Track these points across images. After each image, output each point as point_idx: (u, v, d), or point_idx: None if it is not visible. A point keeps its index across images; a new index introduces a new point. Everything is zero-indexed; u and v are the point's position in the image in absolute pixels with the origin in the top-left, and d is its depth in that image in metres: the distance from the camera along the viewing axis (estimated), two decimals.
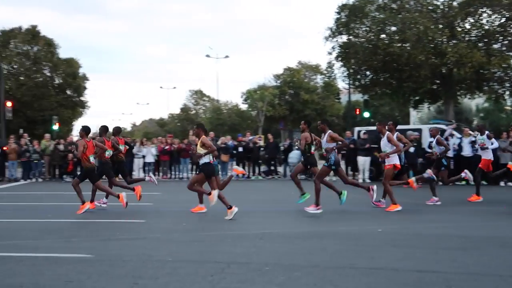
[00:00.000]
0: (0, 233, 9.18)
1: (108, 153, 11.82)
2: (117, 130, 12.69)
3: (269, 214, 11.08)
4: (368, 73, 32.89)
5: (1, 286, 5.38)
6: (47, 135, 23.92)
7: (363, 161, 20.35)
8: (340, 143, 11.54)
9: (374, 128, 17.46)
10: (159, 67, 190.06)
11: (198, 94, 73.08)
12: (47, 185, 12.38)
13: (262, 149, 23.47)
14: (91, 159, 11.31)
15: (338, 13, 31.50)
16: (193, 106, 73.53)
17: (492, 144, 13.60)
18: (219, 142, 22.27)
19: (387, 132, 11.36)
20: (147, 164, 22.52)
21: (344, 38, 32.11)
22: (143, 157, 22.33)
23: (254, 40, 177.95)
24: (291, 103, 51.26)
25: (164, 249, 7.39)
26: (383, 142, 11.45)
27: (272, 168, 23.88)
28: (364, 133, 20.74)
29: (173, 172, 23.42)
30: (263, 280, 5.58)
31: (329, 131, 11.24)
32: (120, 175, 12.72)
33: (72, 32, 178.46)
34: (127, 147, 13.18)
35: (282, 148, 23.76)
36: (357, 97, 46.55)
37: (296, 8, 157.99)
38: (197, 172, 10.96)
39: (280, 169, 24.21)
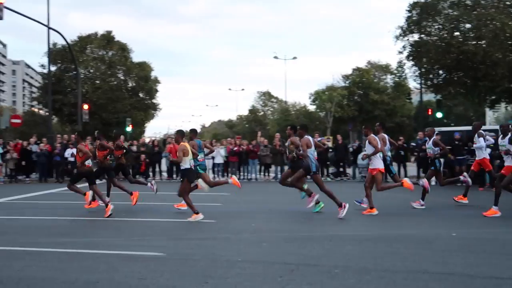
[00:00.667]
0: (77, 230, 9.63)
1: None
2: (118, 134, 14.12)
3: (337, 216, 10.95)
4: (441, 72, 31.84)
5: (79, 281, 5.61)
6: (121, 137, 24.73)
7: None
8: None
9: (447, 129, 16.96)
10: (228, 69, 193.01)
11: (266, 96, 73.43)
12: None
13: (330, 150, 23.25)
14: (87, 162, 11.74)
15: (410, 11, 30.71)
16: (261, 108, 73.95)
17: None
18: (286, 144, 22.24)
19: (370, 135, 11.36)
20: (216, 165, 22.88)
21: (415, 36, 31.27)
22: (213, 158, 22.67)
23: (322, 40, 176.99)
24: (360, 103, 50.47)
25: (234, 249, 7.46)
26: (366, 144, 11.52)
27: (341, 169, 23.64)
28: (437, 134, 20.11)
29: (241, 173, 23.63)
30: (332, 282, 5.52)
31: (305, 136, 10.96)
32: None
33: (144, 36, 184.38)
34: (124, 150, 13.86)
35: (351, 149, 23.47)
36: (429, 97, 45.23)
37: (365, 7, 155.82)
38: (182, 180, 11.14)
39: (349, 170, 23.91)
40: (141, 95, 50.68)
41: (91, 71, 49.44)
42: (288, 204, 11.55)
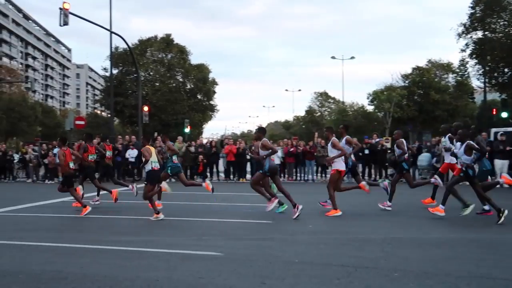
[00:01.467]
0: (137, 229, 9.86)
1: (92, 157, 13.28)
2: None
3: (396, 218, 10.73)
4: (506, 70, 30.71)
5: (139, 279, 5.73)
6: (180, 138, 25.17)
7: (501, 165, 18.93)
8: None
9: None
10: (285, 70, 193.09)
11: (323, 96, 72.92)
12: (179, 185, 12.99)
13: (389, 151, 22.81)
14: (71, 165, 12.37)
15: (473, 7, 29.82)
16: (318, 108, 73.51)
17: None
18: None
19: (333, 138, 11.38)
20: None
21: (479, 34, 30.35)
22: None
23: (380, 40, 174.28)
24: (421, 103, 49.20)
25: (291, 250, 7.43)
26: (329, 147, 11.52)
27: None
28: (502, 135, 19.40)
29: (298, 174, 23.55)
30: (392, 286, 5.40)
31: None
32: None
33: (202, 38, 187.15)
34: (109, 153, 14.52)
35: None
36: (493, 96, 43.64)
37: (425, 5, 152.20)
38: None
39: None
40: (199, 96, 51.44)
41: (151, 73, 50.62)
42: (346, 206, 11.40)
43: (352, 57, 57.87)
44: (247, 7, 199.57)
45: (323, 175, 23.17)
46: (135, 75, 40.93)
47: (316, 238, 8.51)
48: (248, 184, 12.73)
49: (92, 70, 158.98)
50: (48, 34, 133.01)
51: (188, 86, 51.43)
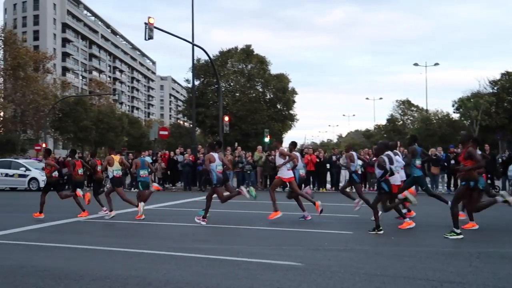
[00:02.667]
0: (219, 237, 10.00)
1: (81, 171, 14.15)
2: (94, 153, 15.53)
3: (485, 231, 10.20)
4: None
5: (220, 286, 5.79)
6: (259, 147, 25.35)
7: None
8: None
9: None
10: (365, 78, 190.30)
11: (406, 104, 71.16)
12: (258, 194, 13.05)
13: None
14: (53, 174, 13.47)
15: None
16: (400, 117, 71.78)
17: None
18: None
19: (280, 148, 12.55)
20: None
21: None
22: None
23: (465, 45, 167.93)
24: (511, 111, 46.89)
25: (372, 262, 7.25)
26: (276, 157, 12.40)
27: (489, 181, 22.05)
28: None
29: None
30: None
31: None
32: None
33: (281, 48, 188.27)
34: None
35: (500, 160, 21.83)
36: None
37: None
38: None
39: (498, 183, 22.24)
40: (278, 106, 51.67)
41: (232, 84, 51.48)
42: (431, 217, 11.01)
43: (436, 64, 56.05)
44: (326, 15, 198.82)
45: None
46: (216, 85, 41.77)
47: (399, 250, 8.26)
48: (328, 194, 12.62)
49: (175, 81, 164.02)
50: (134, 48, 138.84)
51: (268, 96, 51.79)
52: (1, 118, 49.98)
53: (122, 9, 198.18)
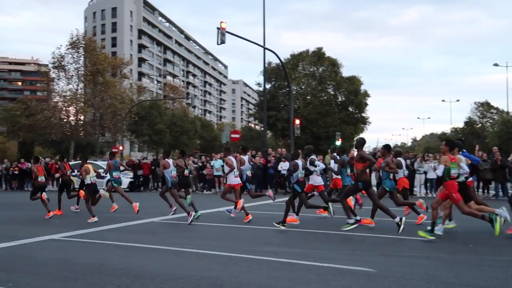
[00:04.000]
0: (290, 241, 9.97)
1: (41, 178, 14.85)
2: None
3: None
4: None
5: None
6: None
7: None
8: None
9: None
10: (441, 79, 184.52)
11: (485, 106, 68.30)
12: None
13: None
14: (39, 179, 14.80)
15: None
16: (479, 119, 69.00)
17: None
18: (509, 158, 20.28)
19: (228, 156, 13.57)
20: (429, 180, 21.81)
21: None
22: (425, 173, 21.72)
23: None
24: None
25: (449, 270, 6.98)
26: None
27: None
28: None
29: None
30: None
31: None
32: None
33: (353, 50, 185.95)
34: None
35: None
36: None
37: None
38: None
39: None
40: (350, 109, 50.94)
41: (303, 87, 51.29)
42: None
43: None
44: (399, 16, 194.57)
45: (485, 190, 21.62)
46: (287, 89, 41.74)
47: (478, 258, 7.90)
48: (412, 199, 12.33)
49: (246, 85, 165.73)
50: (207, 52, 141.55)
51: (340, 99, 51.21)
52: (82, 122, 52.19)
53: (195, 15, 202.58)
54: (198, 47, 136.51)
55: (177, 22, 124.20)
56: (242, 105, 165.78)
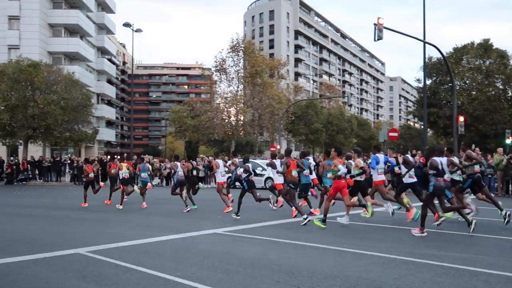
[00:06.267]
0: (454, 245, 9.36)
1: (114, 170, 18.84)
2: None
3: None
4: None
5: None
6: (500, 149, 23.25)
7: None
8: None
9: None
10: None
11: None
12: (501, 200, 11.91)
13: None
14: (90, 175, 18.28)
15: None
16: None
17: None
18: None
19: (215, 160, 16.70)
20: None
21: None
22: None
23: None
24: None
25: None
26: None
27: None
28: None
29: None
30: None
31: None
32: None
33: None
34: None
35: None
36: None
37: None
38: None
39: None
40: None
41: (467, 82, 48.31)
42: None
43: None
44: None
45: None
46: (450, 84, 39.60)
47: None
48: None
49: (405, 82, 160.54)
50: (363, 50, 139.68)
51: (510, 94, 47.33)
52: (241, 122, 54.48)
53: (351, 13, 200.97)
54: (354, 45, 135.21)
55: (332, 21, 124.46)
56: (400, 102, 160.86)
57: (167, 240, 9.72)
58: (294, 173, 13.01)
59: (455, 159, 12.44)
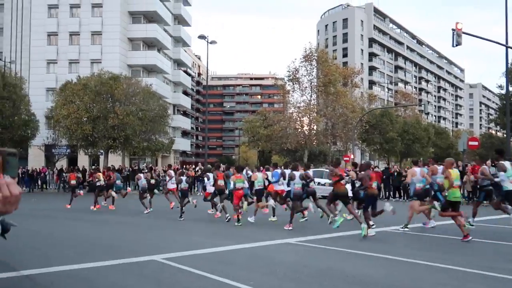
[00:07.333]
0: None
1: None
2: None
3: None
4: None
5: None
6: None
7: None
8: None
9: None
10: None
11: None
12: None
13: None
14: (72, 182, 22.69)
15: None
16: None
17: None
18: None
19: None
20: None
21: None
22: None
23: None
24: None
25: None
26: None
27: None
28: None
29: None
30: None
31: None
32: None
33: None
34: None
35: None
36: None
37: None
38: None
39: None
40: None
41: None
42: None
43: None
44: None
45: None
46: None
47: None
48: None
49: (486, 88, 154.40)
50: (441, 56, 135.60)
51: None
52: (314, 131, 54.22)
53: (427, 19, 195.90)
54: (431, 51, 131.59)
55: (408, 28, 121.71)
56: (481, 110, 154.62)
57: (239, 249, 9.84)
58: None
59: None
